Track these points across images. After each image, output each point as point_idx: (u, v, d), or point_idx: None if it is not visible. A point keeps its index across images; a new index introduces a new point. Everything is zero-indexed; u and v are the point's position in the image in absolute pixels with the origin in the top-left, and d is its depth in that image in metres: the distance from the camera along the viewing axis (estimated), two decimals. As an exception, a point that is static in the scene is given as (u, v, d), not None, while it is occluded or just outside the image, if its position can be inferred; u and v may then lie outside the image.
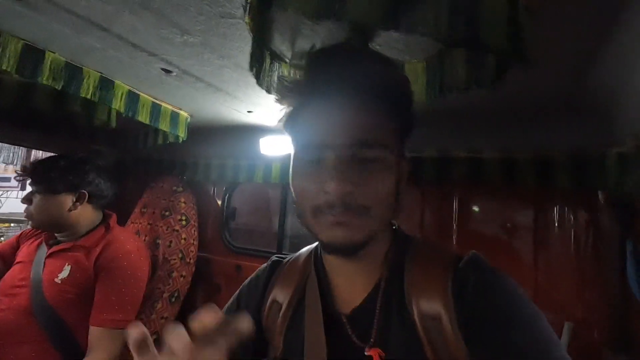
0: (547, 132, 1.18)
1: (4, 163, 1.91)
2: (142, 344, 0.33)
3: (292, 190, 0.52)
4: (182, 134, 1.44)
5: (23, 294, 1.22)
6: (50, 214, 1.29)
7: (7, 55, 0.88)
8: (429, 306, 0.47)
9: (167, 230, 1.83)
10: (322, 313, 0.55)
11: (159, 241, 1.81)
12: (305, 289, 0.59)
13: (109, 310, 1.20)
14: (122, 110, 1.18)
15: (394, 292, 0.52)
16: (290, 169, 0.53)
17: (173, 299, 1.71)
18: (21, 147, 1.85)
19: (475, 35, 0.49)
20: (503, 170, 1.24)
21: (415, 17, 0.48)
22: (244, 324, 0.35)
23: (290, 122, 0.54)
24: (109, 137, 2.03)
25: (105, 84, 1.12)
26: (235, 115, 1.46)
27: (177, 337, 0.33)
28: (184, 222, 1.85)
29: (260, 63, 0.69)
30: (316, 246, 0.64)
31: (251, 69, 0.66)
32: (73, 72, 1.02)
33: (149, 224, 1.88)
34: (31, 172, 1.31)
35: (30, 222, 1.32)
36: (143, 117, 1.26)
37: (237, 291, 0.69)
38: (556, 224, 1.29)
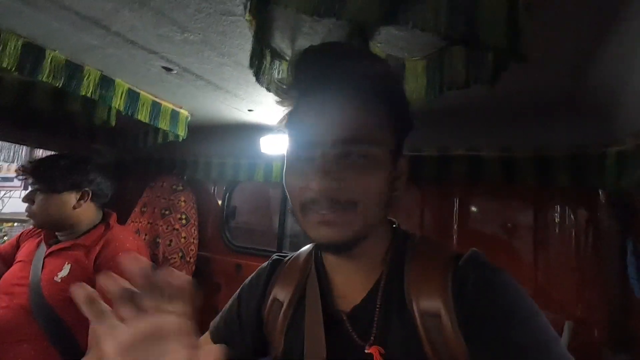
0: (547, 131, 1.18)
1: (5, 162, 1.91)
2: (91, 301, 0.34)
3: (285, 188, 0.53)
4: (182, 132, 1.44)
5: (22, 293, 1.21)
6: (53, 212, 1.29)
7: (7, 53, 0.88)
8: (429, 304, 0.47)
9: (167, 229, 1.83)
10: (323, 311, 0.55)
11: (159, 240, 1.81)
12: (306, 288, 0.59)
13: None
14: (122, 108, 1.18)
15: (394, 290, 0.52)
16: (284, 168, 0.53)
17: (173, 298, 1.70)
18: (22, 146, 1.85)
19: (475, 33, 0.49)
20: (503, 169, 1.24)
21: (414, 14, 0.48)
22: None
23: (285, 122, 0.55)
24: (108, 136, 2.02)
25: (106, 82, 1.12)
26: (235, 113, 1.46)
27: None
28: (184, 221, 1.86)
29: (260, 61, 0.69)
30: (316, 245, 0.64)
31: (251, 66, 0.66)
32: (73, 70, 1.02)
33: (149, 223, 1.88)
34: (33, 171, 1.31)
35: (32, 221, 1.32)
36: (143, 116, 1.26)
37: (239, 290, 0.70)
38: (556, 223, 1.29)
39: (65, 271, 1.25)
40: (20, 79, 1.25)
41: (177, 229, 1.83)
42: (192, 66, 1.01)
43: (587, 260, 1.23)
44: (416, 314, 0.48)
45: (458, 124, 1.30)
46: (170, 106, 1.38)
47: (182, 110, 1.44)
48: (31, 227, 1.46)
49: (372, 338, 0.50)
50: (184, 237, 1.82)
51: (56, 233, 1.38)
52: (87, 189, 1.35)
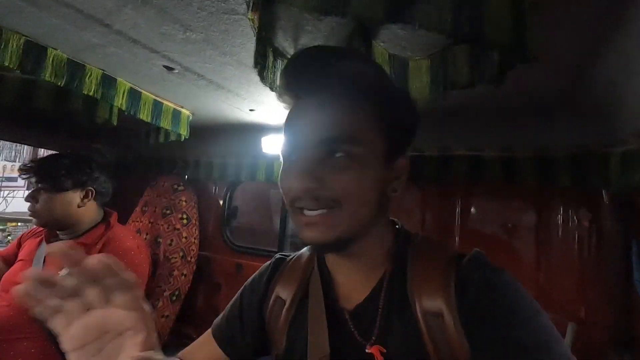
0: (549, 131, 1.17)
1: (7, 161, 1.91)
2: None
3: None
4: (183, 132, 1.44)
5: None
6: (57, 211, 1.30)
7: (9, 52, 0.87)
8: (432, 303, 0.47)
9: (168, 228, 1.83)
10: (325, 310, 0.55)
11: (160, 240, 1.81)
12: (309, 286, 0.59)
13: None
14: (123, 107, 1.18)
15: (396, 289, 0.52)
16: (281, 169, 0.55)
17: (174, 298, 1.70)
18: (24, 146, 1.85)
19: (481, 32, 0.49)
20: (505, 169, 1.23)
21: (419, 12, 0.48)
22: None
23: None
24: (110, 135, 2.02)
25: (107, 81, 1.11)
26: (237, 113, 1.46)
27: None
28: (185, 221, 1.85)
29: (263, 60, 0.69)
30: None
31: (255, 66, 0.66)
32: (75, 69, 1.02)
33: (149, 222, 1.88)
34: (37, 169, 1.31)
35: (35, 220, 1.32)
36: (145, 115, 1.26)
37: (241, 288, 0.70)
38: (558, 224, 1.29)
39: (65, 270, 1.25)
40: (21, 78, 1.25)
41: (178, 229, 1.82)
42: (194, 65, 1.01)
43: (589, 261, 1.22)
44: (418, 314, 0.48)
45: (459, 123, 1.30)
46: (172, 105, 1.38)
47: (183, 110, 1.43)
48: (33, 227, 1.46)
49: (373, 337, 0.51)
50: (185, 237, 1.82)
51: (58, 232, 1.38)
52: (91, 187, 1.36)
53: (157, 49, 0.93)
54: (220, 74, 1.06)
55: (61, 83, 0.98)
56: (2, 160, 1.89)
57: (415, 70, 0.76)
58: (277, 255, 0.70)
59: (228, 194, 2.01)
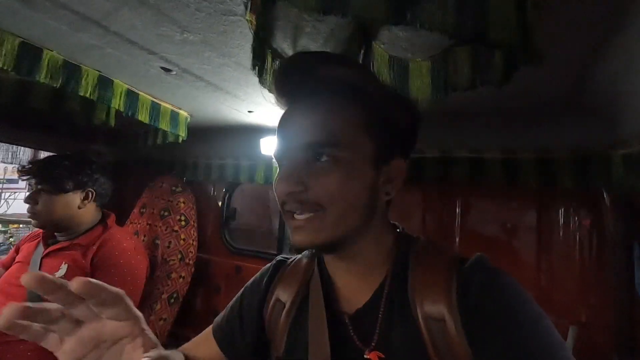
0: (551, 132, 1.17)
1: (4, 162, 1.90)
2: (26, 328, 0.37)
3: None
4: (182, 133, 1.43)
5: (20, 293, 1.21)
6: (58, 212, 1.30)
7: (4, 53, 0.86)
8: (433, 308, 0.47)
9: (166, 230, 1.82)
10: (325, 313, 0.55)
11: (158, 242, 1.79)
12: (309, 289, 0.59)
13: None
14: (121, 109, 1.17)
15: (397, 293, 0.52)
16: None
17: (172, 300, 1.69)
18: (24, 148, 1.84)
19: (484, 32, 0.48)
20: (506, 170, 1.22)
21: (422, 12, 0.47)
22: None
23: None
24: (108, 137, 2.01)
25: (104, 83, 1.10)
26: (235, 114, 1.45)
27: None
28: (183, 223, 1.84)
29: (262, 61, 0.68)
30: None
31: (253, 67, 0.65)
32: (71, 71, 1.01)
33: (148, 224, 1.87)
34: (38, 171, 1.30)
35: (34, 222, 1.31)
36: (142, 117, 1.25)
37: (242, 289, 0.70)
38: (560, 226, 1.28)
39: (62, 271, 1.25)
40: (18, 79, 1.24)
41: (177, 231, 1.81)
42: (192, 67, 1.00)
43: (590, 263, 1.22)
44: (420, 318, 0.47)
45: (460, 125, 1.29)
46: (170, 107, 1.37)
47: (181, 111, 1.43)
48: (30, 232, 1.46)
49: (373, 343, 0.50)
50: (183, 239, 1.81)
51: (56, 233, 1.37)
52: (91, 189, 1.36)
53: (154, 50, 0.92)
54: (219, 76, 1.05)
55: (57, 85, 0.97)
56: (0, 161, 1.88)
57: (416, 72, 0.75)
58: (278, 258, 0.71)
59: (227, 196, 2.00)
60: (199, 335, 0.71)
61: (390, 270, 0.54)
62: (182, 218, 1.85)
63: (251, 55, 0.65)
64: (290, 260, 0.68)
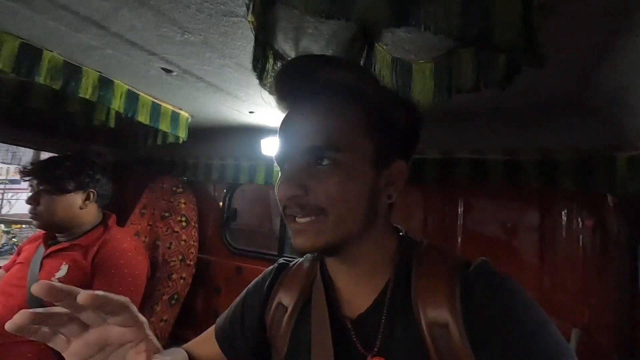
0: (554, 134, 1.16)
1: (3, 162, 1.90)
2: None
3: None
4: (182, 134, 1.43)
5: (20, 294, 1.21)
6: (60, 213, 1.30)
7: (3, 54, 0.86)
8: (437, 313, 0.47)
9: (167, 231, 1.81)
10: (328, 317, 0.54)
11: (159, 242, 1.79)
12: (312, 293, 0.59)
13: None
14: (121, 110, 1.17)
15: (400, 298, 0.51)
16: None
17: (173, 301, 1.69)
18: (25, 148, 1.84)
19: (489, 34, 0.47)
20: (509, 172, 1.22)
21: (426, 14, 0.47)
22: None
23: None
24: (108, 137, 2.01)
25: (105, 84, 1.10)
26: (236, 115, 1.44)
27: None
28: (184, 224, 1.84)
29: (263, 63, 0.67)
30: None
31: (254, 69, 0.64)
32: (71, 72, 1.00)
33: (148, 225, 1.86)
34: (40, 171, 1.30)
35: (35, 223, 1.31)
36: (143, 117, 1.24)
37: (244, 291, 0.70)
38: (563, 227, 1.27)
39: (62, 272, 1.25)
40: (18, 80, 1.23)
41: (177, 231, 1.81)
42: (193, 68, 1.00)
43: (593, 265, 1.21)
44: (423, 324, 0.47)
45: (462, 125, 1.28)
46: (171, 108, 1.37)
47: (182, 112, 1.42)
48: (34, 232, 1.46)
49: (375, 349, 0.50)
50: (184, 240, 1.80)
51: (57, 234, 1.37)
52: (92, 189, 1.37)
53: (155, 51, 0.91)
54: (220, 77, 1.04)
55: (57, 86, 0.96)
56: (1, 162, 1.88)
57: (419, 73, 0.74)
58: (280, 261, 0.71)
59: (227, 196, 2.00)
60: (202, 334, 0.71)
61: (392, 274, 0.53)
62: (183, 219, 1.84)
63: (252, 56, 0.65)
64: (292, 263, 0.68)
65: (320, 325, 0.54)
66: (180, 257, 1.75)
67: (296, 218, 0.49)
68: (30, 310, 0.36)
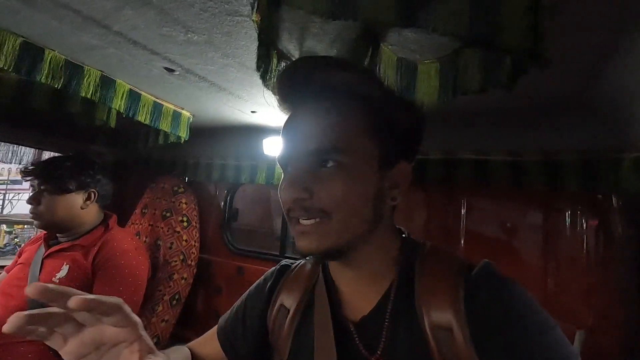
0: (558, 134, 1.15)
1: (3, 162, 1.90)
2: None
3: None
4: (183, 134, 1.42)
5: (21, 294, 1.20)
6: (61, 213, 1.29)
7: (5, 53, 0.85)
8: (440, 316, 0.46)
9: (168, 231, 1.80)
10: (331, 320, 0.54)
11: (160, 242, 1.78)
12: (314, 295, 0.59)
13: None
14: (122, 109, 1.16)
15: (403, 301, 0.51)
16: None
17: (174, 302, 1.68)
18: (25, 148, 1.84)
19: (495, 35, 0.47)
20: (512, 173, 1.21)
21: (432, 15, 0.46)
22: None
23: None
24: (109, 137, 2.00)
25: (106, 83, 1.09)
26: (238, 115, 1.44)
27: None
28: (185, 224, 1.83)
29: (266, 63, 0.67)
30: None
31: (258, 69, 0.64)
32: (73, 71, 1.00)
33: (149, 225, 1.86)
34: (41, 171, 1.30)
35: (36, 223, 1.31)
36: (144, 117, 1.24)
37: (246, 293, 0.70)
38: (567, 229, 1.26)
39: (63, 272, 1.24)
40: (20, 79, 1.23)
41: (178, 231, 1.80)
42: (196, 67, 0.99)
43: (598, 267, 1.20)
44: (426, 327, 0.47)
45: (466, 126, 1.28)
46: (172, 107, 1.36)
47: (184, 112, 1.41)
48: (36, 233, 1.46)
49: (379, 352, 0.49)
50: (185, 240, 1.80)
51: (57, 234, 1.37)
52: (93, 189, 1.36)
53: (157, 50, 0.90)
54: (222, 76, 1.04)
55: (58, 85, 0.96)
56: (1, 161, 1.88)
57: (424, 73, 0.74)
58: (282, 262, 0.70)
59: (229, 196, 1.99)
60: (205, 334, 0.72)
61: (396, 276, 0.53)
62: (184, 219, 1.84)
63: (256, 56, 0.64)
64: (294, 265, 0.67)
65: (323, 327, 0.54)
66: (181, 258, 1.75)
67: (300, 220, 0.49)
68: (25, 312, 0.37)
